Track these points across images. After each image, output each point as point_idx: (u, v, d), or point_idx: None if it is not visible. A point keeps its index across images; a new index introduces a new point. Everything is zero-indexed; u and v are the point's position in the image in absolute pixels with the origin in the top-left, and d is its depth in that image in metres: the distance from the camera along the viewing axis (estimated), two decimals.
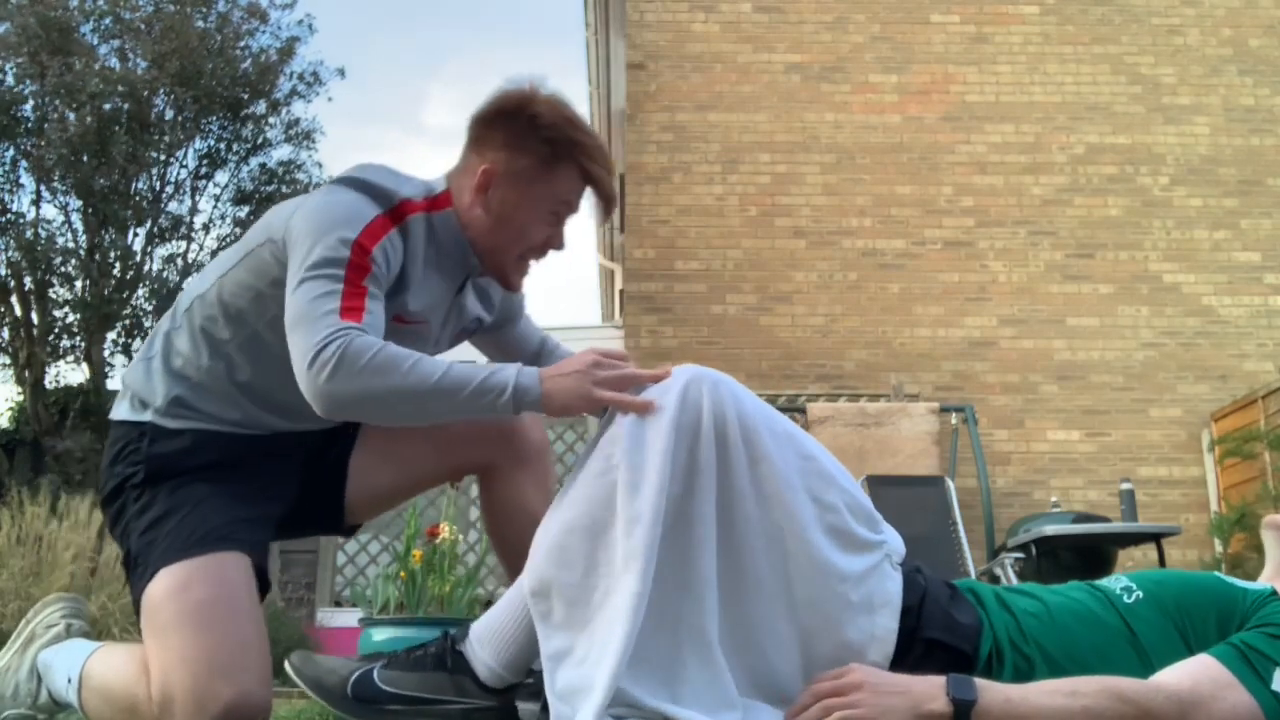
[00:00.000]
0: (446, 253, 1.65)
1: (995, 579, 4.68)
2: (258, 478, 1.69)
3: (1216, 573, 1.44)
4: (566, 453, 6.16)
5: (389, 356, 1.40)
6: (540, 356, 1.95)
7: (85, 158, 8.33)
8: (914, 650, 1.33)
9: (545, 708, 1.36)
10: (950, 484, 5.39)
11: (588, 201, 1.68)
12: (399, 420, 1.52)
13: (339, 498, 1.84)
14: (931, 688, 1.22)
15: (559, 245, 1.70)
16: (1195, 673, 1.25)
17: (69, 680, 1.63)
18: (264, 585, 1.63)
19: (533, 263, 1.71)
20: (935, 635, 1.34)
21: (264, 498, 1.70)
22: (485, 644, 1.37)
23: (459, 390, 1.41)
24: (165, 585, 1.52)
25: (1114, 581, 1.43)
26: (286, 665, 1.42)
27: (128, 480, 1.64)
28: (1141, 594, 1.38)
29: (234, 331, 1.62)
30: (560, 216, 1.67)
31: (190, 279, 1.76)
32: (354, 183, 1.57)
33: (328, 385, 1.39)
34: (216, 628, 1.47)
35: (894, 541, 1.39)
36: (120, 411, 1.69)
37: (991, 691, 1.22)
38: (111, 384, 8.14)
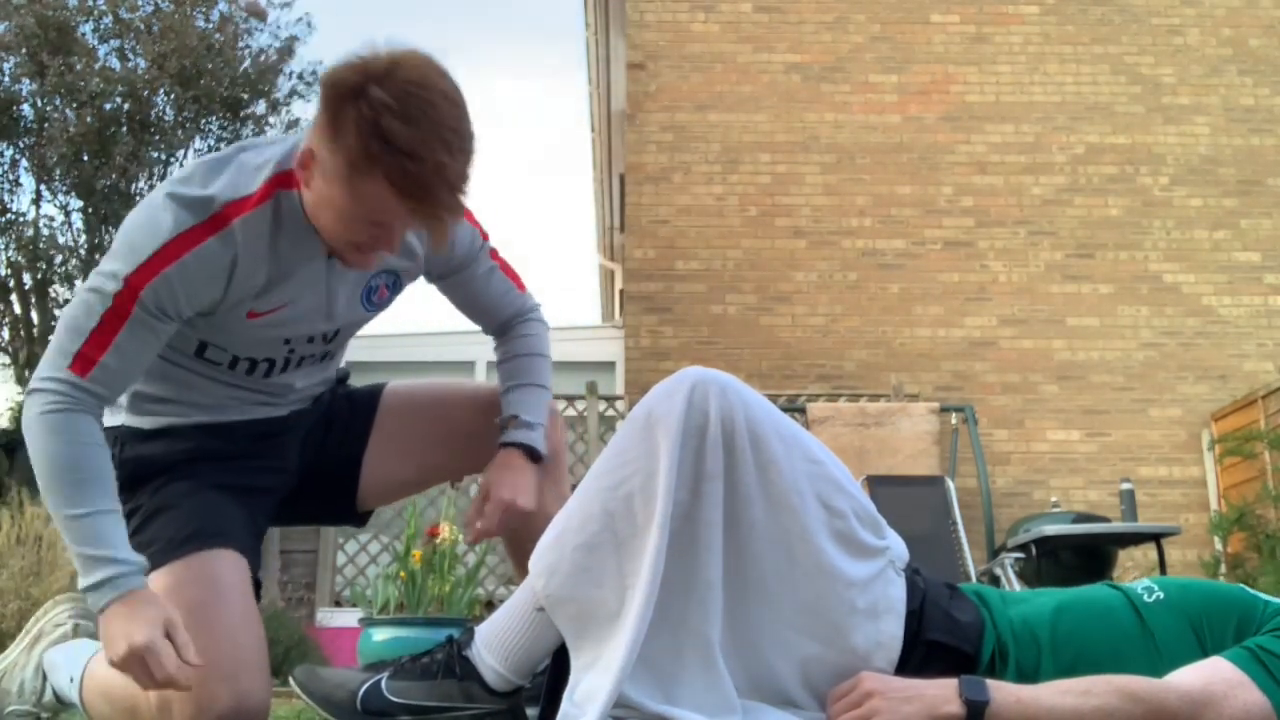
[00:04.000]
0: (293, 234, 1.51)
1: (995, 579, 4.68)
2: (244, 465, 1.67)
3: (1241, 585, 1.44)
4: (566, 452, 6.15)
5: (75, 455, 1.42)
6: (510, 322, 1.82)
7: (86, 157, 8.33)
8: (916, 653, 1.34)
9: (544, 711, 1.36)
10: (950, 484, 5.39)
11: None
12: (40, 486, 1.47)
13: (351, 488, 1.82)
14: (944, 691, 1.22)
15: (389, 249, 1.50)
16: (1207, 673, 1.25)
17: (71, 679, 1.64)
18: (256, 581, 1.61)
19: (371, 253, 1.51)
20: (936, 637, 1.34)
21: (253, 485, 1.68)
22: (492, 649, 1.37)
23: (75, 540, 1.40)
24: (157, 588, 1.51)
25: (1136, 583, 1.43)
26: (291, 681, 1.42)
27: None
28: (1163, 595, 1.38)
29: None
30: (379, 228, 1.44)
31: None
32: (168, 198, 1.45)
33: (27, 420, 1.43)
34: (211, 629, 1.46)
35: (898, 547, 1.39)
36: None
37: (1004, 692, 1.22)
38: None
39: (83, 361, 1.42)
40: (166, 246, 1.43)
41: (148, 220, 1.45)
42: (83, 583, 1.40)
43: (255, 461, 1.69)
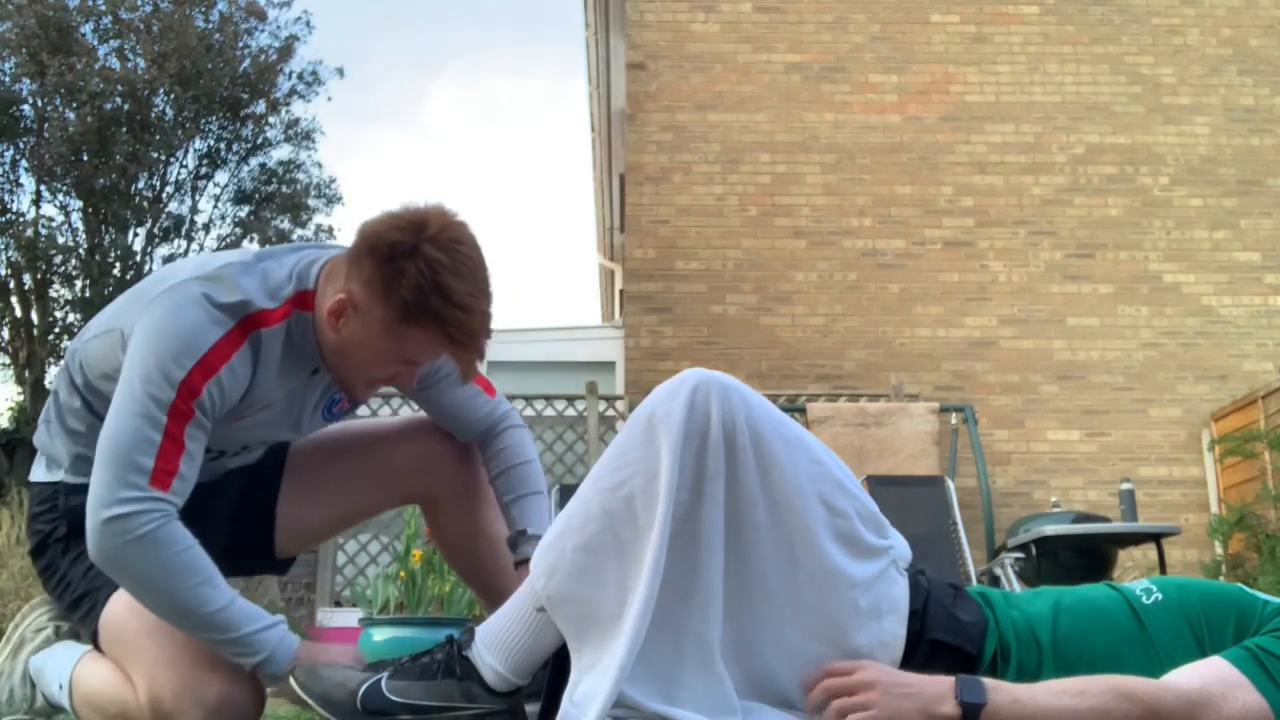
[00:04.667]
0: (298, 351, 1.58)
1: (995, 579, 4.68)
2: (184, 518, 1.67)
3: (1240, 585, 1.44)
4: (566, 452, 6.16)
5: (188, 562, 1.42)
6: (490, 434, 1.83)
7: (85, 157, 8.34)
8: (919, 652, 1.34)
9: (544, 710, 1.36)
10: (950, 484, 5.38)
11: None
12: (147, 605, 1.47)
13: (268, 537, 1.82)
14: (941, 689, 1.23)
15: (408, 385, 1.62)
16: (1205, 673, 1.25)
17: (60, 686, 1.63)
18: None
19: (385, 386, 1.62)
20: (939, 636, 1.35)
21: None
22: (492, 649, 1.37)
23: (224, 631, 1.43)
24: (121, 606, 1.52)
25: (1134, 584, 1.43)
26: (291, 681, 1.42)
27: (50, 535, 1.63)
28: (1161, 596, 1.38)
29: (96, 397, 1.59)
30: (410, 367, 1.57)
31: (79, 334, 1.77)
32: (204, 297, 1.48)
33: (115, 548, 1.40)
34: None
35: (900, 547, 1.39)
36: (37, 473, 1.69)
37: (1000, 693, 1.22)
38: None
39: (162, 476, 1.42)
40: (215, 349, 1.46)
41: (190, 323, 1.46)
42: (252, 661, 1.44)
43: (197, 514, 1.67)
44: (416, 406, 1.88)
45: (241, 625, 1.43)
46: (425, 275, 1.44)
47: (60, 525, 1.62)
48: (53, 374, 9.08)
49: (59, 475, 1.64)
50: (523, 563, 1.73)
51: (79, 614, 1.60)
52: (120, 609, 1.52)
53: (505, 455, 1.82)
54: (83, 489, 1.61)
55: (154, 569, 1.41)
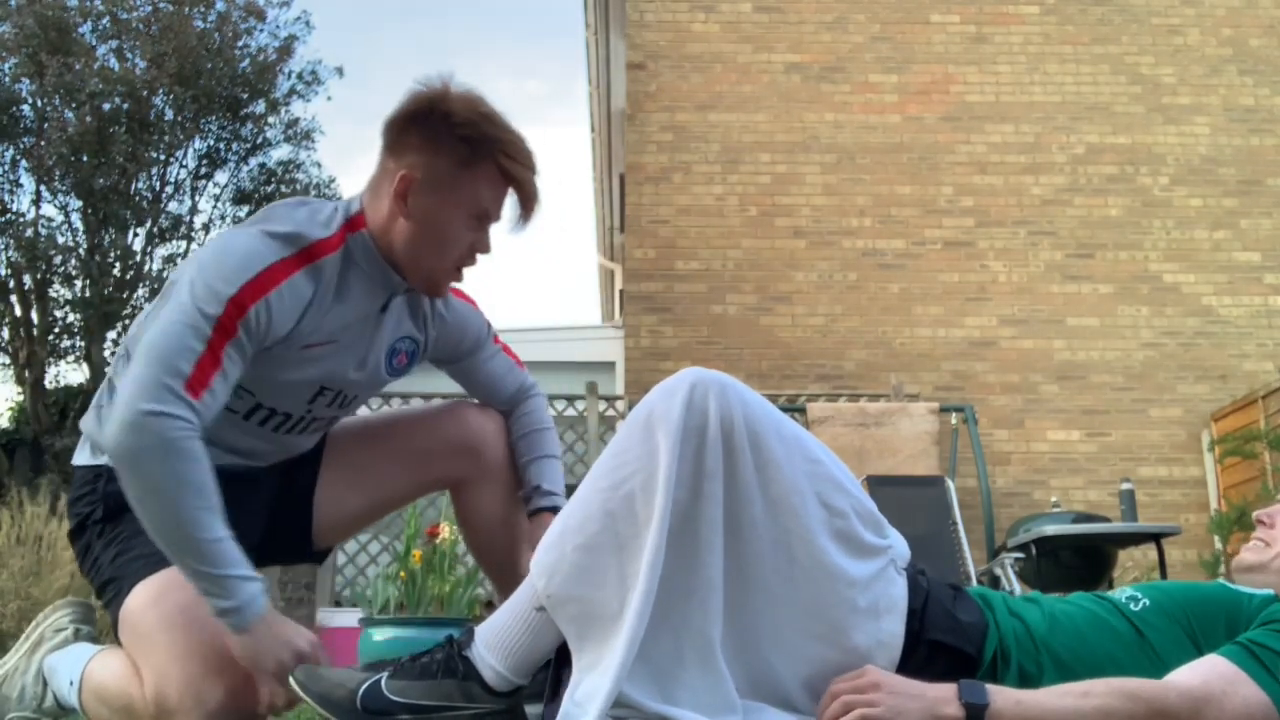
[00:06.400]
0: (365, 275, 1.61)
1: (995, 579, 4.68)
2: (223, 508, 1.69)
3: (1220, 580, 1.45)
4: (566, 452, 6.16)
5: (203, 482, 1.41)
6: (517, 399, 1.92)
7: (85, 157, 8.34)
8: (918, 653, 1.34)
9: (545, 710, 1.36)
10: (950, 484, 5.38)
11: (510, 208, 1.63)
12: (145, 513, 1.45)
13: (306, 526, 1.84)
14: (944, 692, 1.23)
15: (485, 249, 1.65)
16: (1205, 671, 1.26)
17: (71, 683, 1.64)
18: None
19: (464, 269, 1.66)
20: (938, 637, 1.35)
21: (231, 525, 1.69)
22: (492, 649, 1.37)
23: (209, 564, 1.41)
24: (143, 596, 1.52)
25: (1119, 592, 1.44)
26: (291, 680, 1.42)
27: (89, 517, 1.65)
28: (1148, 601, 1.40)
29: None
30: (484, 221, 1.61)
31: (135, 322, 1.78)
32: (260, 231, 1.52)
33: (141, 445, 1.39)
34: (203, 626, 1.47)
35: (899, 546, 1.39)
36: (81, 457, 1.70)
37: (1003, 696, 1.23)
38: None
39: (196, 385, 1.42)
40: (267, 271, 1.48)
41: (244, 246, 1.49)
42: (221, 604, 1.42)
43: (235, 506, 1.67)
44: (446, 397, 1.91)
45: (226, 565, 1.42)
46: (470, 110, 1.53)
47: (99, 508, 1.63)
48: (53, 374, 9.09)
49: (103, 459, 1.64)
50: (536, 513, 1.82)
51: (105, 599, 1.61)
52: (141, 599, 1.52)
53: (529, 419, 1.91)
54: None
55: (169, 477, 1.40)
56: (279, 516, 1.81)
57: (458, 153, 1.53)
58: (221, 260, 1.47)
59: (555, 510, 1.78)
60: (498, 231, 1.66)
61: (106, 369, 9.32)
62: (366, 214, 1.61)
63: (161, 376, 1.41)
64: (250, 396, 1.62)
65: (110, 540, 1.60)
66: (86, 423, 1.71)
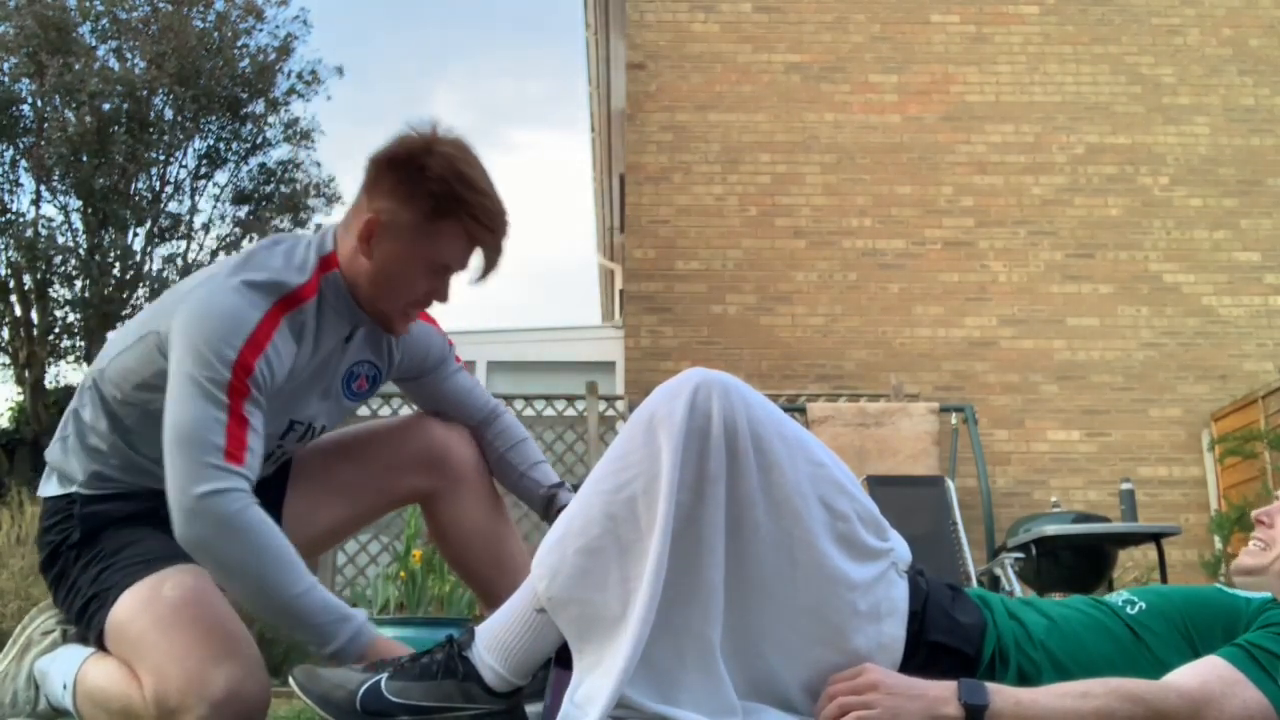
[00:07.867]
0: (334, 310, 1.64)
1: (995, 579, 4.67)
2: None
3: (1217, 584, 1.46)
4: (566, 452, 6.15)
5: (277, 546, 1.46)
6: (488, 419, 1.92)
7: (85, 157, 8.34)
8: (918, 654, 1.34)
9: (545, 711, 1.36)
10: (950, 484, 5.38)
11: (475, 259, 1.63)
12: (231, 588, 1.50)
13: None
14: (944, 692, 1.23)
15: (443, 299, 1.66)
16: (1204, 672, 1.26)
17: (64, 687, 1.62)
18: None
19: (416, 311, 1.68)
20: (938, 638, 1.35)
21: None
22: (492, 650, 1.37)
23: (304, 617, 1.47)
24: (131, 602, 1.51)
25: (1115, 596, 1.45)
26: (290, 681, 1.42)
27: (63, 543, 1.64)
28: (1145, 605, 1.40)
29: (128, 411, 1.61)
30: (443, 273, 1.62)
31: (99, 355, 1.80)
32: (241, 284, 1.52)
33: (209, 531, 1.44)
34: (198, 622, 1.47)
35: (900, 549, 1.39)
36: (48, 489, 1.69)
37: (1003, 696, 1.23)
38: None
39: (235, 451, 1.46)
40: (260, 328, 1.50)
41: (230, 306, 1.50)
42: (329, 649, 1.47)
43: None
44: (415, 407, 1.94)
45: (318, 614, 1.47)
46: (445, 166, 1.53)
47: (74, 532, 1.63)
48: (53, 374, 9.09)
49: (72, 489, 1.65)
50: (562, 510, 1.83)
51: (86, 617, 1.60)
52: (130, 605, 1.52)
53: (511, 433, 1.93)
54: (99, 499, 1.64)
55: (242, 554, 1.44)
56: None
57: (424, 207, 1.54)
58: (213, 325, 1.48)
59: None
60: (459, 281, 1.67)
61: None
62: (339, 248, 1.63)
63: (200, 457, 1.44)
64: None
65: (89, 561, 1.60)
66: (52, 454, 1.70)
